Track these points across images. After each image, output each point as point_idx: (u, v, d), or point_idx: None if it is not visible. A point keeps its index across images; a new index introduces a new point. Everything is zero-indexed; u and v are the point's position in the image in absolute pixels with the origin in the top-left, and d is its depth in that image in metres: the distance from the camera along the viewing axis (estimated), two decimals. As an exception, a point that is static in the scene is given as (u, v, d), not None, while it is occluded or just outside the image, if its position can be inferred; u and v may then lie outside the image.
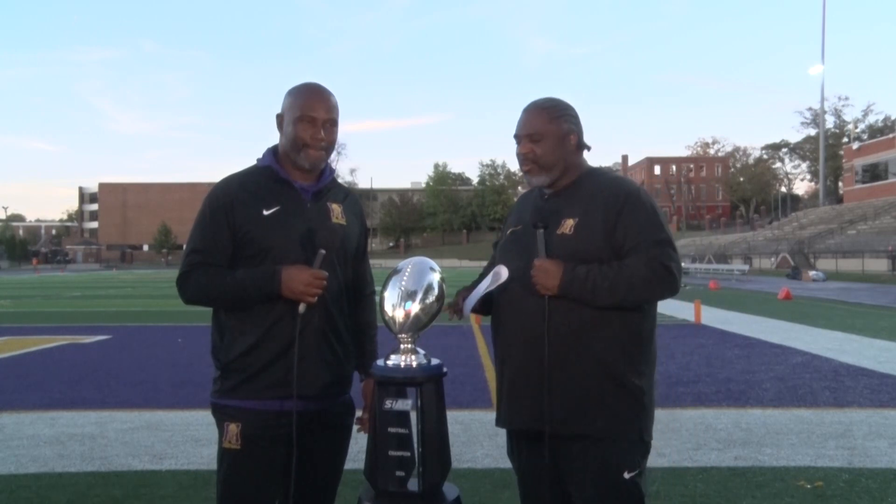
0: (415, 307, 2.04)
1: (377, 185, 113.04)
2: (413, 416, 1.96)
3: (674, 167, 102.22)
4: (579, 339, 2.07)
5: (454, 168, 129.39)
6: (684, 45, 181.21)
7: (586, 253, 2.08)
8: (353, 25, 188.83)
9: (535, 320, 2.08)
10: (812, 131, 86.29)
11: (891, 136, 61.07)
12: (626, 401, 2.07)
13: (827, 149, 70.46)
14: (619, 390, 2.07)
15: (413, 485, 1.95)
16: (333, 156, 2.44)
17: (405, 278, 2.07)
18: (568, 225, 2.12)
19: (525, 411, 2.12)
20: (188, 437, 5.20)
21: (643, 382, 2.11)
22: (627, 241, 2.07)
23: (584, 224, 2.11)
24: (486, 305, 2.31)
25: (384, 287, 2.08)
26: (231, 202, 2.19)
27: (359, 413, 2.38)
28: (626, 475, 2.07)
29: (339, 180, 2.48)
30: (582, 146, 2.25)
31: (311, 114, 2.20)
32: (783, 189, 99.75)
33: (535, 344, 2.08)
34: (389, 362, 2.04)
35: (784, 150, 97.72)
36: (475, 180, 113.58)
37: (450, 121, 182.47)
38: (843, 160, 66.96)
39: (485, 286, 2.21)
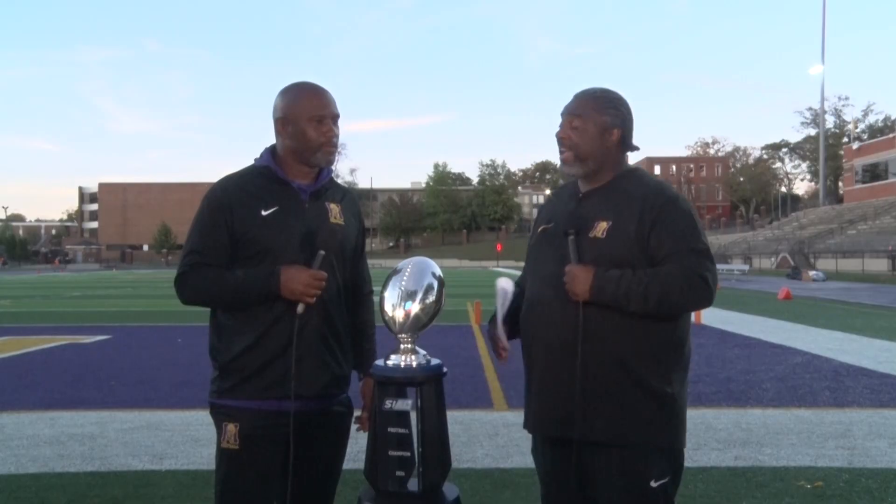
0: (415, 307, 2.03)
1: (377, 185, 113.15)
2: (413, 416, 1.96)
3: (674, 167, 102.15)
4: (608, 346, 2.02)
5: (454, 168, 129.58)
6: (684, 45, 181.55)
7: (618, 257, 2.03)
8: (357, 25, 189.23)
9: (565, 326, 2.04)
10: (812, 131, 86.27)
11: (891, 136, 61.07)
12: (655, 409, 2.03)
13: (827, 149, 70.42)
14: (649, 398, 2.02)
15: (413, 485, 1.95)
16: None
17: (405, 278, 2.06)
18: (601, 228, 2.06)
19: (553, 416, 2.09)
20: (188, 437, 5.20)
21: (674, 389, 2.06)
22: (663, 248, 2.01)
23: (617, 227, 2.05)
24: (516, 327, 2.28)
25: (384, 287, 2.08)
26: (230, 202, 2.18)
27: (357, 412, 2.38)
28: (654, 484, 2.01)
29: (339, 180, 2.49)
30: (626, 144, 2.17)
31: (322, 112, 2.22)
32: (783, 189, 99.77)
33: (565, 349, 2.04)
34: (389, 362, 2.03)
35: (784, 150, 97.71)
36: (475, 180, 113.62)
37: (451, 121, 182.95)
38: (843, 160, 66.97)
39: (501, 310, 2.23)
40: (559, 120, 2.19)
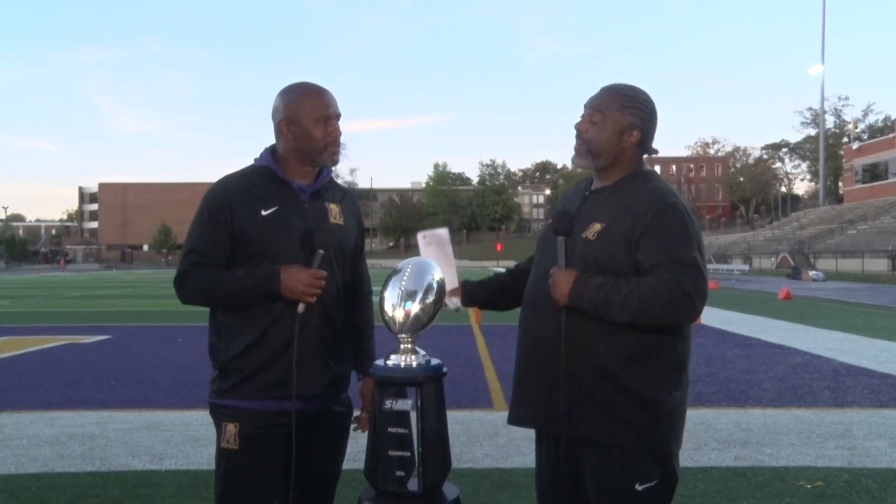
0: (415, 307, 2.03)
1: (377, 185, 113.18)
2: (413, 416, 1.96)
3: (674, 167, 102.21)
4: (591, 349, 2.00)
5: (454, 168, 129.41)
6: (684, 45, 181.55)
7: (603, 261, 1.99)
8: (357, 25, 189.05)
9: (547, 325, 2.04)
10: (812, 131, 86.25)
11: (891, 136, 61.09)
12: (639, 412, 1.99)
13: (827, 149, 70.45)
14: (632, 401, 1.98)
15: (413, 485, 1.95)
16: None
17: (405, 278, 2.06)
18: (594, 230, 2.02)
19: (532, 412, 2.10)
20: (188, 437, 5.20)
21: (660, 393, 2.00)
22: (650, 258, 1.94)
23: (608, 231, 2.00)
24: (495, 297, 2.35)
25: (384, 287, 2.07)
26: (230, 202, 2.18)
27: (357, 412, 2.38)
28: (639, 487, 1.98)
29: (339, 180, 2.49)
30: (644, 147, 2.13)
31: (327, 112, 2.22)
32: (783, 189, 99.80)
33: (546, 348, 2.03)
34: (389, 362, 2.03)
35: (784, 150, 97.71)
36: (475, 180, 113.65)
37: (451, 121, 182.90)
38: (843, 160, 67.00)
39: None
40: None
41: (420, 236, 2.41)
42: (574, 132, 2.15)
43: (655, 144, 2.20)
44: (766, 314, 15.54)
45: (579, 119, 2.14)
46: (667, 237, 1.96)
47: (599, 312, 1.95)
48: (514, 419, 2.19)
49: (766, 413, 6.02)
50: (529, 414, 2.13)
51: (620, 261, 1.99)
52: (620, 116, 2.08)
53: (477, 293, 2.39)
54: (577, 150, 2.14)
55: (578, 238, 2.05)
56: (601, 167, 2.13)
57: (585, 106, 2.14)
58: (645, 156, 2.18)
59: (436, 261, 2.21)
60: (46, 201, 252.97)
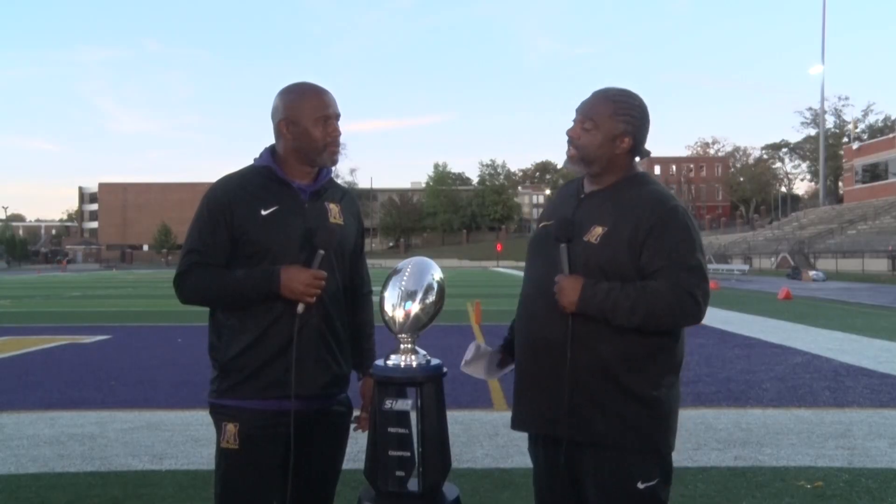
0: (415, 307, 2.03)
1: (377, 185, 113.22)
2: (413, 416, 1.96)
3: (674, 167, 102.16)
4: (594, 352, 2.01)
5: (454, 168, 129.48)
6: (685, 45, 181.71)
7: (608, 264, 2.00)
8: (357, 25, 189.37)
9: (550, 329, 2.04)
10: (812, 131, 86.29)
11: (891, 136, 61.10)
12: (641, 412, 2.01)
13: (827, 149, 70.47)
14: (634, 402, 2.00)
15: (413, 485, 1.95)
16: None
17: (405, 278, 2.06)
18: (595, 233, 2.03)
19: (536, 415, 2.10)
20: (188, 437, 5.20)
21: (661, 393, 2.03)
22: (654, 261, 1.97)
23: (612, 235, 2.01)
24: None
25: (384, 287, 2.08)
26: (230, 202, 2.18)
27: (357, 412, 2.38)
28: (641, 485, 2.00)
29: (339, 180, 2.49)
30: (636, 151, 2.14)
31: (327, 112, 2.22)
32: (783, 189, 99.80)
33: (550, 351, 2.03)
34: (389, 362, 2.03)
35: (784, 150, 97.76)
36: (475, 180, 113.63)
37: (451, 121, 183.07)
38: (843, 160, 67.01)
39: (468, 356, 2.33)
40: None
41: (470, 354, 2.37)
42: (566, 138, 2.16)
43: (653, 144, 2.21)
44: (766, 314, 15.54)
45: (571, 125, 2.15)
46: (671, 241, 1.98)
47: (607, 317, 1.96)
48: (518, 424, 2.18)
49: (766, 413, 6.02)
50: (532, 417, 2.12)
51: (623, 263, 2.00)
52: (612, 124, 2.08)
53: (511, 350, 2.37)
54: (570, 156, 2.15)
55: (579, 241, 2.05)
56: (594, 173, 2.14)
57: (577, 111, 2.14)
58: (637, 158, 2.19)
59: (480, 366, 2.34)
60: (46, 201, 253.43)
